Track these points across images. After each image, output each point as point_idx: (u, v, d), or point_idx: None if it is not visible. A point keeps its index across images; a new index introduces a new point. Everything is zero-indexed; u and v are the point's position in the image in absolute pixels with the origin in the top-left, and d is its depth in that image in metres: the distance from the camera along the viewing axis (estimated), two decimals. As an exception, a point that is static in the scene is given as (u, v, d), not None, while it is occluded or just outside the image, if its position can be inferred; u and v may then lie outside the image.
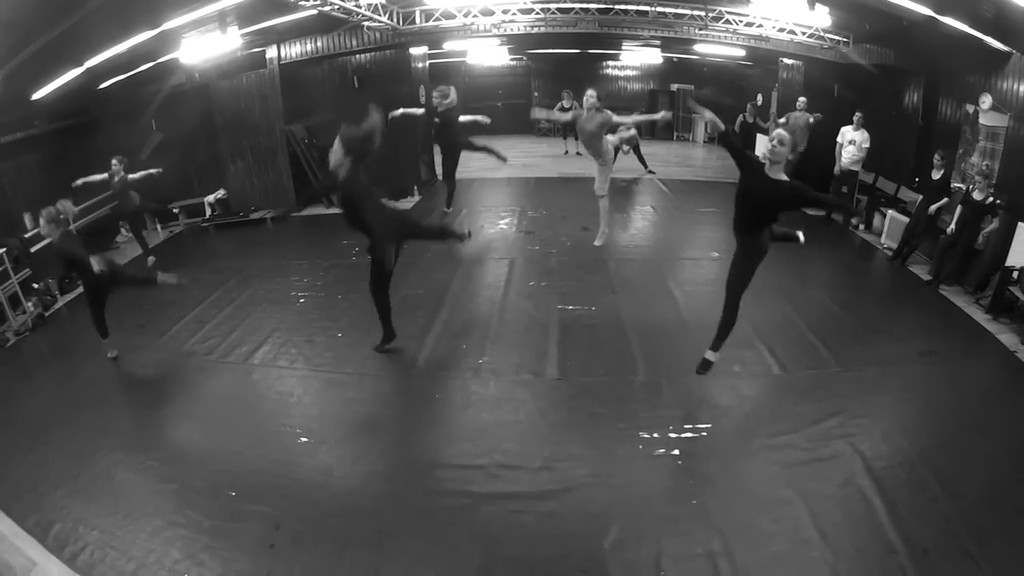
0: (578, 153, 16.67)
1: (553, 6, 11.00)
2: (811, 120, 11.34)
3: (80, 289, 8.95)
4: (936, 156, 8.65)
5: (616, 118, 8.28)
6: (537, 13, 11.18)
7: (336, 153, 5.72)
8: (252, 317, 7.73)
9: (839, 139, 10.49)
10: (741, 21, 10.92)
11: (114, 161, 9.21)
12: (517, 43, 16.72)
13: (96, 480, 5.00)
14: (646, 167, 14.56)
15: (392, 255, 6.06)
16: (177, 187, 12.15)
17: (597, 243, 9.49)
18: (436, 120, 9.93)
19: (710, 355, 5.84)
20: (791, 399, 5.87)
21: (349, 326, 7.36)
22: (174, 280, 7.19)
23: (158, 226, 11.62)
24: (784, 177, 5.07)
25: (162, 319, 7.56)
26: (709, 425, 5.50)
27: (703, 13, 10.75)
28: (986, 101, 8.40)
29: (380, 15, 9.79)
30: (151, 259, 9.72)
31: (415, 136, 13.15)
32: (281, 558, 4.18)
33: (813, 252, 9.59)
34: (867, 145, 10.27)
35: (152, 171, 9.40)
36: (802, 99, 11.64)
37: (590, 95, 8.15)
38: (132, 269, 7.15)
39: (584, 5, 10.98)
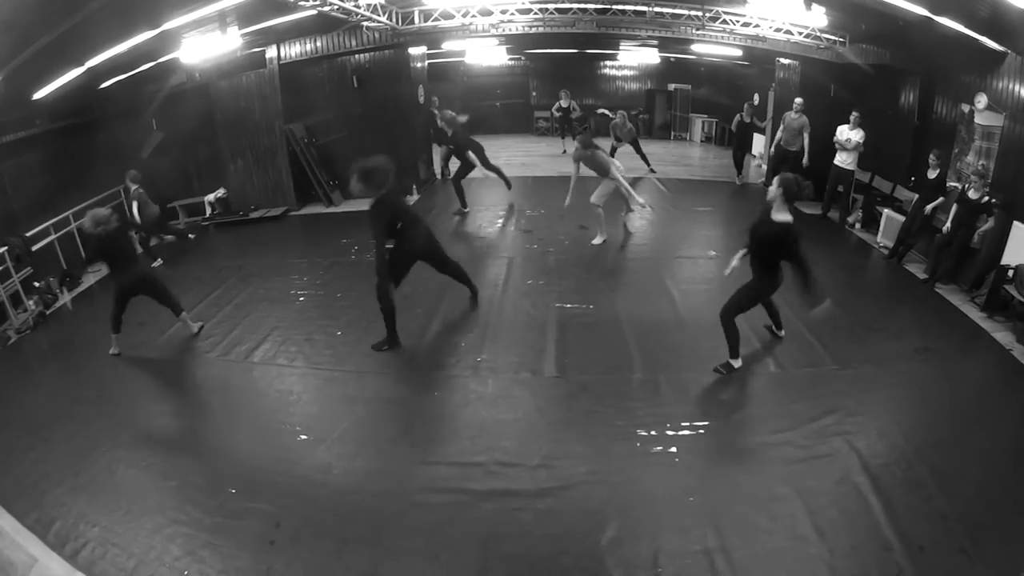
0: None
1: (551, 6, 11.01)
2: (806, 136, 11.46)
3: (81, 288, 9.04)
4: (931, 155, 8.67)
5: (613, 170, 9.31)
6: (535, 13, 11.19)
7: (355, 186, 6.45)
8: (252, 315, 7.75)
9: (836, 137, 10.53)
10: (738, 21, 10.94)
11: (128, 178, 9.50)
12: (515, 43, 16.74)
13: (97, 477, 5.02)
14: (648, 166, 14.61)
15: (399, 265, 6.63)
16: (177, 186, 12.20)
17: (595, 242, 9.59)
18: (451, 147, 11.11)
19: (734, 363, 6.24)
20: (788, 397, 5.89)
21: (348, 324, 7.39)
22: (194, 329, 7.35)
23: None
24: (785, 218, 5.48)
25: (162, 317, 7.56)
26: (706, 423, 5.52)
27: (700, 13, 10.77)
28: (981, 101, 8.43)
29: (379, 15, 9.81)
30: (158, 261, 9.78)
31: (414, 136, 13.18)
32: (281, 555, 4.19)
33: (809, 250, 9.63)
34: (860, 140, 10.31)
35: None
36: (798, 100, 11.67)
37: (576, 145, 9.42)
38: (167, 287, 7.18)
39: (582, 5, 11.00)
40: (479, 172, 11.39)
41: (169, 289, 7.20)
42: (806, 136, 11.47)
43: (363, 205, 12.17)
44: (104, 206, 6.67)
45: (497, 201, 12.07)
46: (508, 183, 11.92)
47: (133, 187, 9.49)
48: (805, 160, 11.43)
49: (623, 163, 10.36)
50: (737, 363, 6.26)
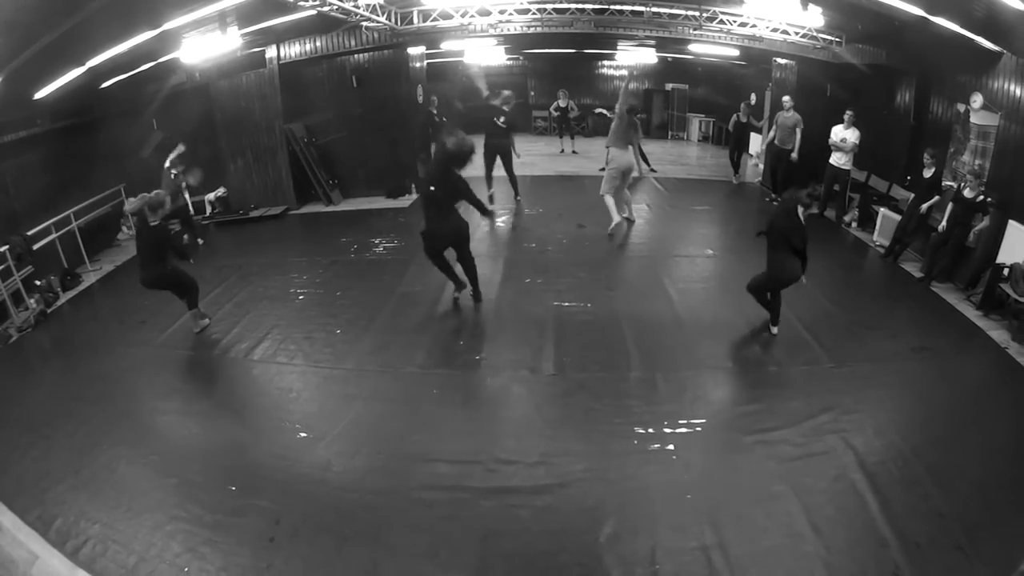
0: (574, 152, 16.77)
1: (549, 6, 11.02)
2: (798, 132, 11.61)
3: (82, 286, 9.07)
4: (925, 155, 8.73)
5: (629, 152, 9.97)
6: (533, 13, 11.19)
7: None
8: (252, 314, 7.78)
9: (831, 138, 10.58)
10: (735, 21, 10.95)
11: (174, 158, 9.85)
12: (514, 43, 16.74)
13: (98, 474, 5.04)
14: (649, 165, 14.63)
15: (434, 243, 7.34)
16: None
17: (612, 227, 9.91)
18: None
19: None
20: (784, 394, 5.94)
21: (347, 323, 7.42)
22: (199, 327, 7.39)
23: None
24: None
25: (163, 315, 7.60)
26: (703, 420, 5.56)
27: (697, 13, 10.78)
28: (977, 100, 8.46)
29: (378, 15, 9.82)
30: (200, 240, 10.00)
31: (413, 135, 13.20)
32: (281, 552, 4.22)
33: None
34: (855, 140, 10.37)
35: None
36: (786, 98, 11.87)
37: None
38: (191, 283, 7.24)
39: (580, 5, 11.01)
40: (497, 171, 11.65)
41: (193, 284, 7.25)
42: (799, 133, 11.59)
43: (362, 205, 12.33)
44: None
45: (495, 200, 12.09)
46: (516, 197, 12.05)
47: (175, 172, 9.85)
48: (794, 155, 11.65)
49: None
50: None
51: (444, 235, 7.24)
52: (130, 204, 6.88)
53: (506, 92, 11.62)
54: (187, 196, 10.15)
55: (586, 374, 6.26)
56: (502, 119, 11.43)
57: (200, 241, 10.59)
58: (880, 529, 4.27)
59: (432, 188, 7.02)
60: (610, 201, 9.76)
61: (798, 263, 6.46)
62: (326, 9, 8.56)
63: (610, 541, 4.24)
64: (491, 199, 11.75)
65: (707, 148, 18.81)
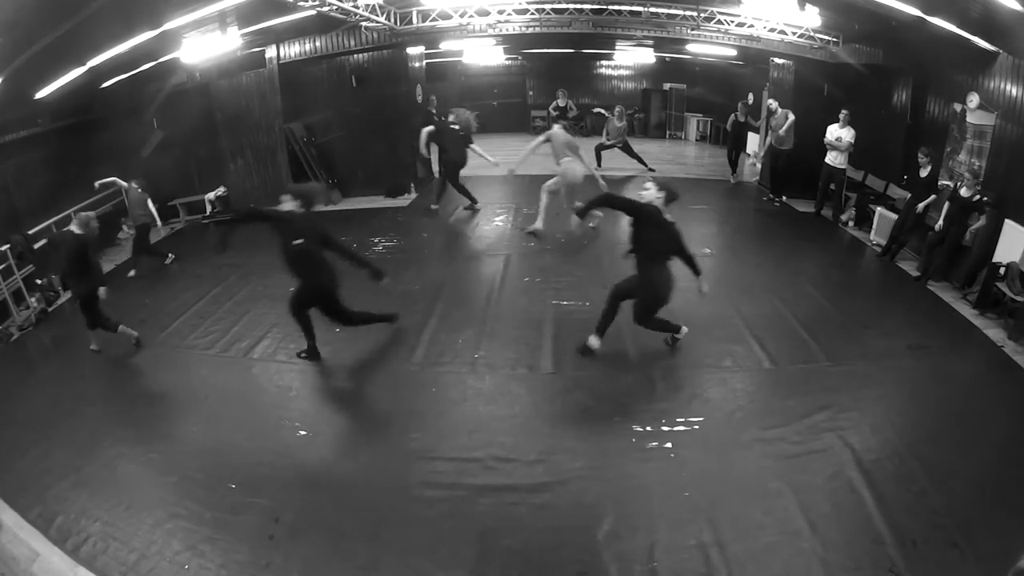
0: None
1: (548, 6, 11.07)
2: (789, 120, 11.84)
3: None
4: (920, 154, 8.76)
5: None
6: (532, 13, 11.24)
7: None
8: (252, 312, 7.81)
9: (827, 136, 10.60)
10: (732, 21, 10.99)
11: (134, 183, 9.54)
12: (512, 43, 16.78)
13: (98, 472, 5.07)
14: (646, 165, 14.59)
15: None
16: (178, 184, 12.23)
17: (531, 228, 10.12)
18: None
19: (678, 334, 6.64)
20: (781, 393, 5.96)
21: (347, 321, 7.44)
22: (97, 344, 7.13)
23: (158, 223, 11.67)
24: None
25: (163, 314, 7.62)
26: (701, 418, 5.57)
27: (695, 13, 10.82)
28: (973, 100, 8.48)
29: (378, 15, 9.86)
30: (170, 257, 9.88)
31: (412, 135, 13.22)
32: (280, 549, 4.25)
33: (803, 248, 9.74)
34: (851, 140, 10.42)
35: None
36: (771, 101, 12.24)
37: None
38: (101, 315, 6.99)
39: (578, 5, 11.05)
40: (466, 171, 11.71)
41: (99, 314, 6.92)
42: (789, 121, 11.81)
43: (362, 204, 12.33)
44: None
45: (494, 199, 12.12)
46: (473, 202, 12.03)
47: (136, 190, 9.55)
48: (781, 132, 11.94)
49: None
50: (596, 342, 6.50)
51: (313, 291, 6.44)
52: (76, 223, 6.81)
53: (462, 112, 11.67)
54: (152, 209, 9.67)
55: (584, 372, 6.28)
56: (460, 129, 11.41)
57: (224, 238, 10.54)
58: (876, 526, 4.29)
59: (299, 241, 6.10)
60: (545, 200, 9.87)
61: (670, 273, 6.15)
62: (326, 9, 8.59)
63: (608, 538, 4.26)
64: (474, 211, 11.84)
65: (705, 147, 18.80)
